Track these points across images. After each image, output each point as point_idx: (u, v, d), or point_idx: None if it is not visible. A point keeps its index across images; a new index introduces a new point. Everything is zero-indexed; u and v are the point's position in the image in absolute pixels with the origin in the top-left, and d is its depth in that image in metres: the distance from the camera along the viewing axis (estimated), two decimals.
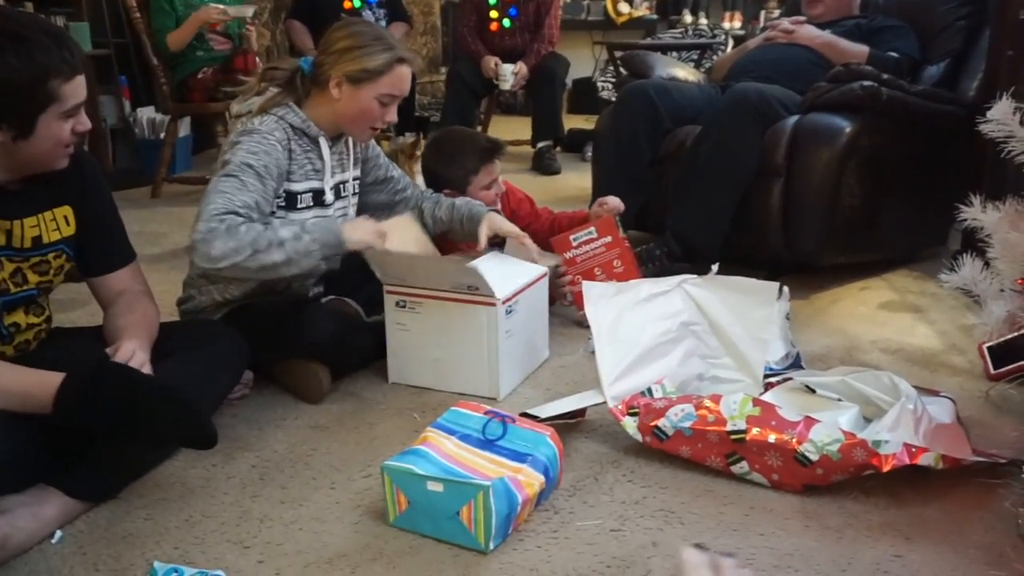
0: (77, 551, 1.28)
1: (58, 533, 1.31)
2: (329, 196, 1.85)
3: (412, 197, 2.07)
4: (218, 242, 1.58)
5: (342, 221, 1.83)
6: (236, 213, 1.62)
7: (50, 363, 1.33)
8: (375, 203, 2.03)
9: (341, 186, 1.90)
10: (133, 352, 1.38)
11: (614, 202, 2.24)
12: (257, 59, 3.77)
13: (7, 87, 1.26)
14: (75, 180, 1.47)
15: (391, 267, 1.77)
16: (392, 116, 1.84)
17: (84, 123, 1.39)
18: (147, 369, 1.38)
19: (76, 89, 1.33)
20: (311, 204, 1.82)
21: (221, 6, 3.60)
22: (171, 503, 1.41)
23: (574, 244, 2.17)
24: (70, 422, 1.29)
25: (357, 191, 1.98)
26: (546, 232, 2.29)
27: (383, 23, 4.14)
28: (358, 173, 1.97)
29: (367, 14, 4.12)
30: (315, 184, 1.82)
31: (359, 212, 1.98)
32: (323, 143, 1.82)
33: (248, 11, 3.70)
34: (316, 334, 1.76)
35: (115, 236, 1.59)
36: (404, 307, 1.80)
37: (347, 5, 4.12)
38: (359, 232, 1.73)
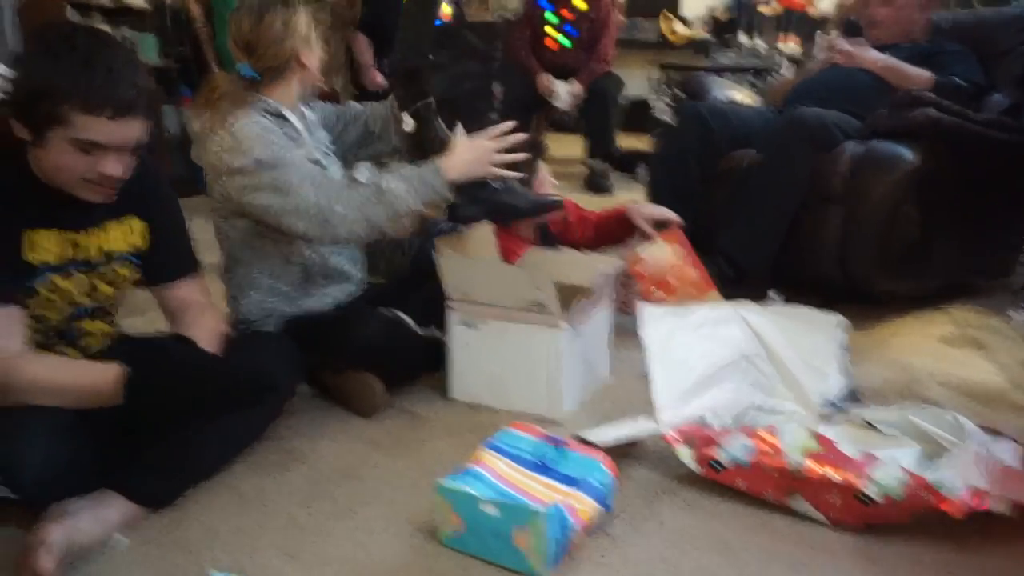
0: (136, 555, 1.30)
1: (122, 540, 1.33)
2: (319, 157, 1.86)
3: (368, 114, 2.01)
4: (336, 225, 1.67)
5: (436, 164, 1.74)
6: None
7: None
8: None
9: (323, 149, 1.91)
10: None
11: (674, 217, 2.24)
12: None
13: (22, 85, 1.29)
14: (138, 190, 1.48)
15: (460, 274, 1.77)
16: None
17: (107, 167, 1.32)
18: None
19: (96, 126, 1.27)
20: None
21: None
22: (225, 511, 1.43)
23: (642, 255, 2.16)
24: (143, 399, 1.32)
25: (332, 152, 1.96)
26: (592, 238, 2.33)
27: None
28: (324, 135, 1.96)
29: None
30: (303, 152, 1.81)
31: (346, 164, 2.00)
32: (287, 114, 1.82)
33: None
34: (365, 334, 1.78)
35: (179, 247, 1.61)
36: (467, 325, 1.80)
37: None
38: (467, 167, 1.73)
